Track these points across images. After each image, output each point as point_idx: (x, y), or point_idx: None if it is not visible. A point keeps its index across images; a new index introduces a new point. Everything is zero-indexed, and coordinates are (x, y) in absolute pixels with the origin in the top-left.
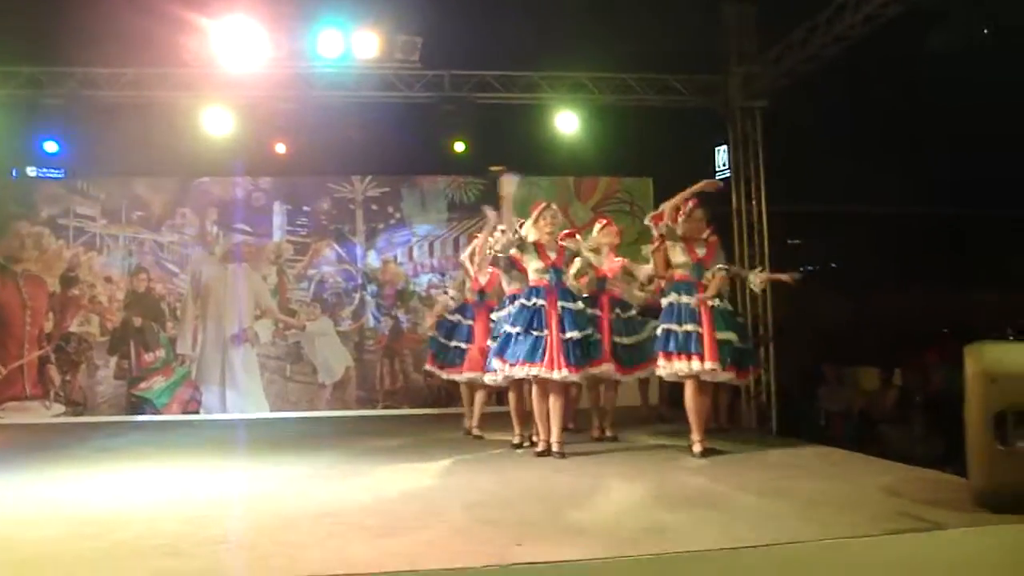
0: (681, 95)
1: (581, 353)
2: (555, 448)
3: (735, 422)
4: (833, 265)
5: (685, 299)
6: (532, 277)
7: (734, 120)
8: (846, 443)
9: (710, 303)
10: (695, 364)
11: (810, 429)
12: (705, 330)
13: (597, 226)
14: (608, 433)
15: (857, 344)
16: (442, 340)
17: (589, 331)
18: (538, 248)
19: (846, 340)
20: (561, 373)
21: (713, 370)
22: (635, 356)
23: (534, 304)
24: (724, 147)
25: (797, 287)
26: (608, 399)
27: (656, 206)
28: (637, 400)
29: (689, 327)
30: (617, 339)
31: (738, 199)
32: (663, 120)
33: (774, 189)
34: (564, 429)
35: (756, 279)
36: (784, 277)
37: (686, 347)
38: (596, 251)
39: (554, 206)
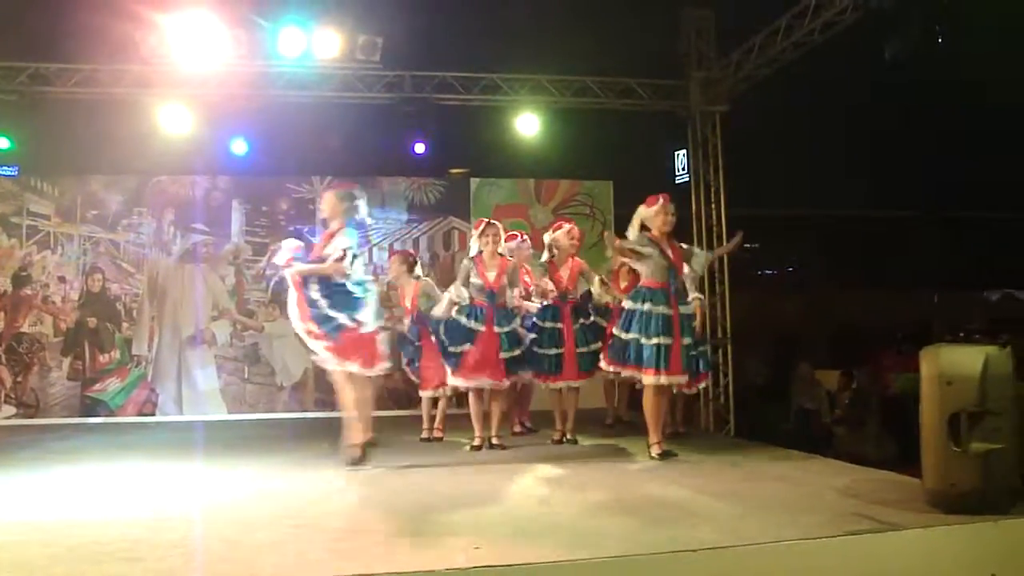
0: (642, 99)
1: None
2: (494, 441)
3: (692, 425)
4: (791, 268)
5: (660, 309)
6: (475, 296)
7: (694, 124)
8: (805, 445)
9: (682, 309)
10: (662, 378)
11: (769, 432)
12: (675, 342)
13: (565, 227)
14: (568, 436)
15: (815, 346)
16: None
17: (517, 351)
18: (478, 266)
19: (804, 343)
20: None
21: (682, 383)
22: (593, 361)
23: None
24: (684, 151)
25: (740, 246)
26: (568, 402)
27: (615, 208)
28: (600, 402)
29: (662, 340)
30: (578, 350)
31: (698, 203)
32: (624, 123)
33: (733, 193)
34: (524, 430)
35: (698, 264)
36: (728, 248)
37: (655, 361)
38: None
39: (498, 224)
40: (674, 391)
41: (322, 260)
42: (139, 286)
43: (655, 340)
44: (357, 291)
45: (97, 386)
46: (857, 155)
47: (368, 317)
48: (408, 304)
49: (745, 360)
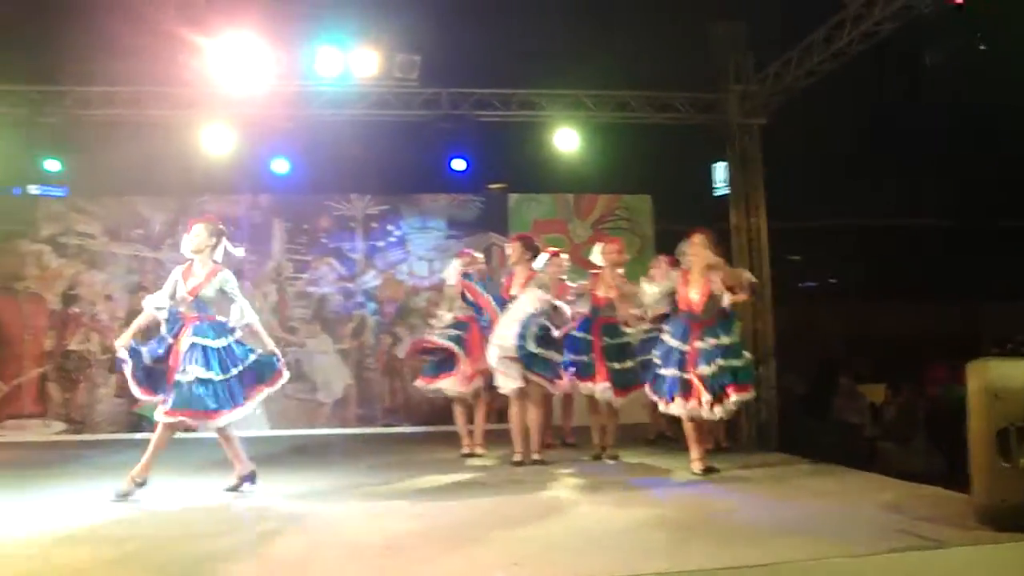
0: (680, 112)
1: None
2: (535, 456)
3: (735, 440)
4: (832, 280)
5: (676, 343)
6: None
7: (732, 137)
8: (849, 460)
9: (698, 344)
10: (689, 406)
11: (812, 446)
12: (690, 372)
13: (598, 246)
14: (608, 452)
15: (857, 359)
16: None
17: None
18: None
19: (848, 356)
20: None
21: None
22: (629, 379)
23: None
24: (723, 164)
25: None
26: (607, 417)
27: (655, 223)
28: (642, 417)
29: (675, 371)
30: (610, 364)
31: (737, 216)
32: (662, 137)
33: (773, 205)
34: (565, 444)
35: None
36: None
37: (672, 391)
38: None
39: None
40: None
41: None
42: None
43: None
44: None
45: (142, 402)
46: (899, 164)
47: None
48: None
49: (787, 374)
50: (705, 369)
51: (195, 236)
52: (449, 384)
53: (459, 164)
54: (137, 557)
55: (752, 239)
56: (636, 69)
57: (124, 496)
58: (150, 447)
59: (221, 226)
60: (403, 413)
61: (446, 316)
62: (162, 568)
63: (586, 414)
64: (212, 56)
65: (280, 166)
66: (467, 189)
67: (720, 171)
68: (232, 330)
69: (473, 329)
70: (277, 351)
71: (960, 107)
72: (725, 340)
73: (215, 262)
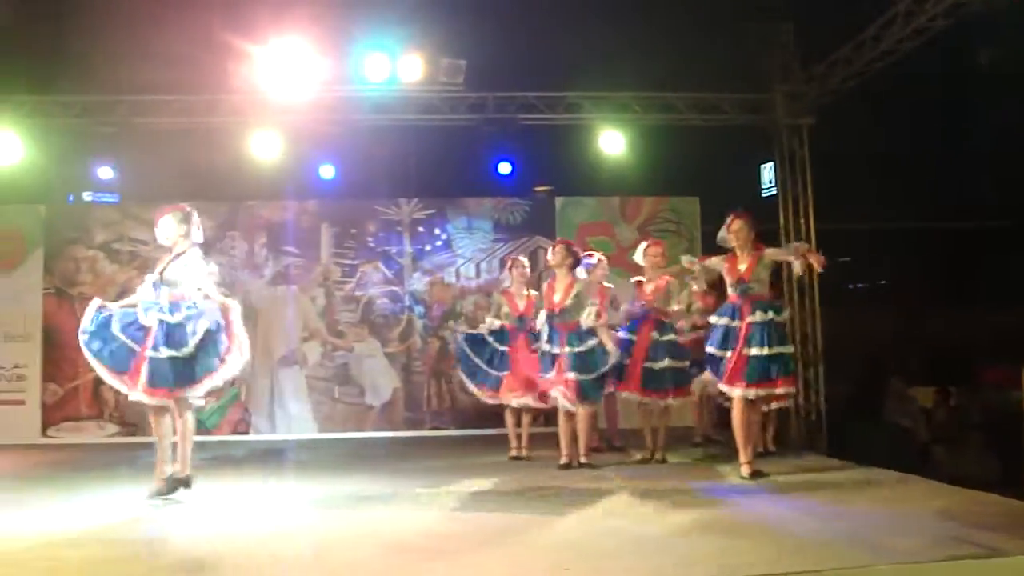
0: (726, 114)
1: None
2: (582, 460)
3: (783, 444)
4: (883, 282)
5: (733, 323)
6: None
7: (780, 138)
8: (900, 464)
9: (749, 319)
10: (737, 388)
11: (862, 450)
12: (738, 351)
13: (641, 246)
14: (658, 455)
15: (909, 362)
16: (477, 362)
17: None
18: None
19: (898, 359)
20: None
21: (755, 394)
22: (667, 380)
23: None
24: (770, 164)
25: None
26: (659, 420)
27: (702, 225)
28: (688, 420)
29: (729, 352)
30: (648, 364)
31: (785, 217)
32: (709, 138)
33: (822, 206)
34: (612, 448)
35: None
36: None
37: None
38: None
39: (523, 259)
40: (765, 409)
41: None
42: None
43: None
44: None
45: None
46: (951, 165)
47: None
48: (557, 299)
49: (837, 376)
50: (759, 350)
51: (165, 228)
52: (490, 396)
53: (505, 167)
54: (177, 557)
55: (801, 240)
56: (682, 70)
57: (158, 495)
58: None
59: (188, 209)
60: (450, 416)
61: (494, 323)
62: (202, 569)
63: (633, 417)
64: (260, 63)
65: (327, 171)
66: (513, 192)
67: (768, 172)
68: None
69: (519, 338)
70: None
71: (1015, 105)
72: (778, 318)
73: (194, 244)
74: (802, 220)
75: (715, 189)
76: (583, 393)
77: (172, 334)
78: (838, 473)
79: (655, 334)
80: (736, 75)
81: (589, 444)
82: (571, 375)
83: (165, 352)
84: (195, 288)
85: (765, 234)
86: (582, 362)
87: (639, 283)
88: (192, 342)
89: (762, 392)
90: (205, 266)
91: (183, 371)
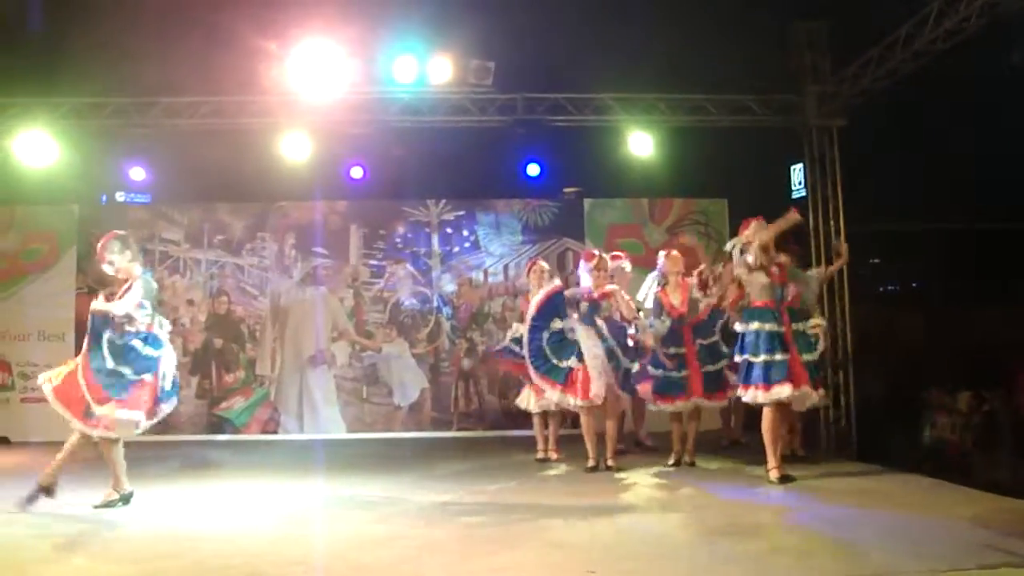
0: (756, 115)
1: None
2: (609, 463)
3: (813, 448)
4: (914, 284)
5: (769, 326)
6: None
7: (810, 139)
8: (932, 470)
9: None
10: (784, 390)
11: (893, 455)
12: (792, 355)
13: (662, 253)
14: (687, 459)
15: (941, 365)
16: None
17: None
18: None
19: (929, 362)
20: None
21: (804, 394)
22: (717, 383)
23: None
24: (800, 166)
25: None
26: (690, 425)
27: (731, 227)
28: (715, 424)
29: (778, 356)
30: (703, 367)
31: (815, 219)
32: (738, 140)
33: (852, 208)
34: (641, 447)
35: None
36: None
37: (770, 376)
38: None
39: (542, 263)
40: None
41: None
42: (262, 308)
43: (763, 357)
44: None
45: (223, 404)
46: (985, 166)
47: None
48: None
49: (867, 380)
50: (808, 356)
51: (112, 258)
52: (524, 399)
53: (533, 169)
54: (215, 561)
55: (831, 243)
56: (711, 71)
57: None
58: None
59: (122, 233)
60: (477, 417)
61: (520, 329)
62: (225, 572)
63: (663, 421)
64: (291, 65)
65: (356, 172)
66: (542, 194)
67: (797, 174)
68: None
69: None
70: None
71: None
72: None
73: (142, 272)
74: (832, 222)
75: (744, 191)
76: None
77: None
78: (868, 478)
79: (699, 339)
80: (766, 76)
81: (616, 447)
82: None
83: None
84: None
85: (795, 236)
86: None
87: (662, 290)
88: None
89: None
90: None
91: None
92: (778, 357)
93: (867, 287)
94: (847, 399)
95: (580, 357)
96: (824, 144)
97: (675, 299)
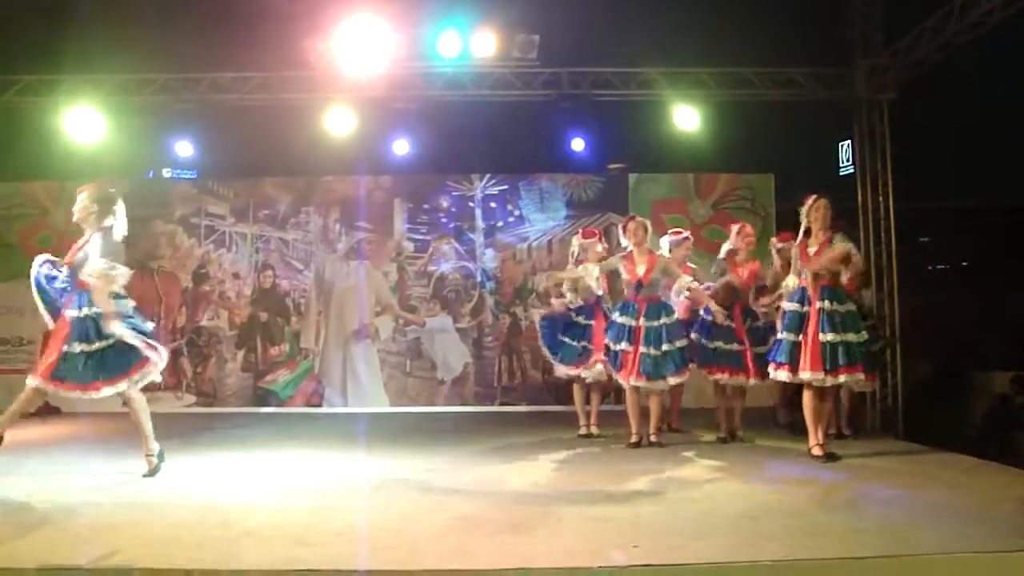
0: (804, 89)
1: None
2: (652, 439)
3: (858, 427)
4: (964, 263)
5: (798, 307)
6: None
7: (860, 113)
8: (979, 450)
9: (818, 306)
10: (804, 373)
11: (940, 435)
12: (810, 335)
13: (735, 228)
14: (739, 434)
15: (990, 345)
16: (564, 338)
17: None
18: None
19: (978, 342)
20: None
21: (820, 379)
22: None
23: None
24: (848, 142)
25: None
26: (736, 400)
27: (777, 203)
28: (759, 401)
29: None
30: (755, 349)
31: (864, 195)
32: (785, 114)
33: (902, 184)
34: (670, 430)
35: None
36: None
37: (794, 356)
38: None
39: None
40: (838, 389)
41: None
42: (307, 282)
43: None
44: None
45: (268, 377)
46: None
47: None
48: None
49: (914, 359)
50: (830, 336)
51: (79, 203)
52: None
53: (578, 144)
54: (262, 531)
55: (879, 220)
56: (758, 44)
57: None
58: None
59: (111, 190)
60: (520, 392)
61: (574, 299)
62: (272, 541)
63: (709, 396)
64: (335, 40)
65: (401, 147)
66: (586, 169)
67: (846, 149)
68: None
69: (597, 313)
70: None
71: None
72: (844, 308)
73: (104, 228)
74: (881, 199)
75: (791, 166)
76: (655, 368)
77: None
78: (913, 457)
79: (749, 320)
80: (814, 49)
81: (659, 423)
82: (645, 349)
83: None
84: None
85: (843, 213)
86: (658, 336)
87: (733, 265)
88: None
89: (830, 380)
90: (101, 252)
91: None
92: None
93: (916, 266)
94: (894, 378)
95: (632, 339)
96: (874, 118)
97: (743, 273)
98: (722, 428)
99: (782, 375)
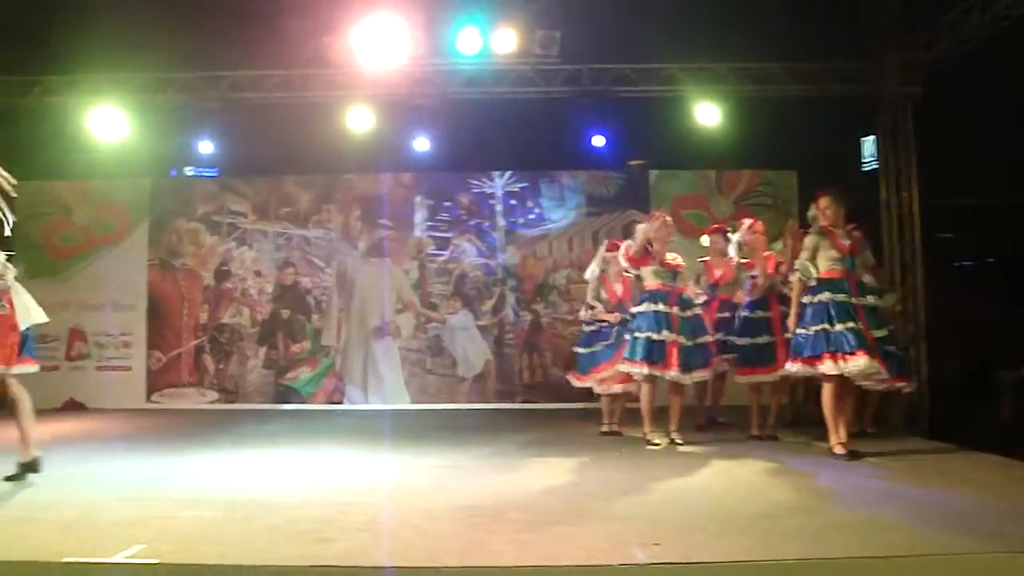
0: (826, 84)
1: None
2: (675, 439)
3: (883, 425)
4: (990, 259)
5: (840, 296)
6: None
7: (883, 109)
8: (1007, 449)
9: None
10: (858, 362)
11: (967, 434)
12: (863, 326)
13: (746, 223)
14: (775, 431)
15: (1017, 342)
16: (583, 350)
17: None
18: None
19: (1005, 338)
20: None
21: (875, 371)
22: None
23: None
24: (872, 137)
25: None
26: (772, 399)
27: (800, 199)
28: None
29: (849, 324)
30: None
31: (887, 191)
32: (808, 110)
33: (925, 180)
34: (717, 424)
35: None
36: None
37: (840, 346)
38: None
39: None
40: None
41: None
42: (328, 280)
43: (847, 325)
44: None
45: (290, 374)
46: None
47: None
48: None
49: (940, 356)
50: (878, 332)
51: None
52: (596, 383)
53: (599, 140)
54: (286, 527)
55: (904, 215)
56: (780, 39)
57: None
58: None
59: None
60: (542, 390)
61: (596, 312)
62: (296, 537)
63: (740, 393)
64: (356, 37)
65: (421, 144)
66: (607, 165)
67: (869, 145)
68: None
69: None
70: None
71: None
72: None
73: None
74: (905, 195)
75: (814, 162)
76: (688, 361)
77: None
78: (940, 456)
79: (783, 308)
80: (837, 44)
81: (680, 420)
82: (680, 339)
83: None
84: None
85: (865, 210)
86: (690, 327)
87: (747, 263)
88: None
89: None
90: None
91: None
92: (850, 325)
93: (941, 262)
94: (920, 375)
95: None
96: (898, 113)
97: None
98: (754, 426)
99: (854, 365)
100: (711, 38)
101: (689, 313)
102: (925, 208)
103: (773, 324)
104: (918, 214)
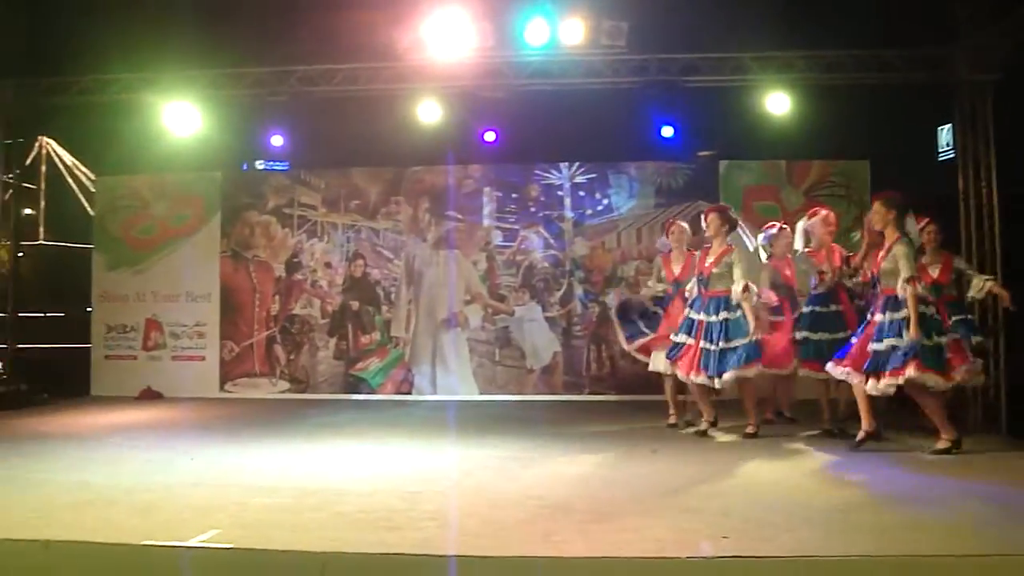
0: (901, 71)
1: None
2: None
3: (959, 423)
4: None
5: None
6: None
7: (961, 96)
8: None
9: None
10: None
11: None
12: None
13: (822, 214)
14: (837, 427)
15: None
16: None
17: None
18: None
19: None
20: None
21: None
22: None
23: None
24: (948, 126)
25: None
26: (840, 392)
27: (873, 190)
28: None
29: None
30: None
31: (965, 182)
32: (881, 98)
33: (1005, 170)
34: (780, 419)
35: (980, 284)
36: (1004, 298)
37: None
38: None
39: (682, 223)
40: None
41: None
42: (397, 271)
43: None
44: None
45: (359, 365)
46: None
47: None
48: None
49: (1020, 352)
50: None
51: None
52: (654, 360)
53: (667, 131)
54: (356, 515)
55: (982, 206)
56: (852, 26)
57: None
58: None
59: None
60: (610, 382)
61: (657, 287)
62: (365, 525)
63: (811, 387)
64: (424, 30)
65: (489, 136)
66: (676, 156)
67: (945, 134)
68: None
69: (674, 302)
70: None
71: None
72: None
73: None
74: (983, 185)
75: (888, 152)
76: (709, 363)
77: None
78: (1017, 454)
79: (858, 303)
80: (913, 29)
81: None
82: (704, 344)
83: None
84: None
85: (941, 201)
86: (720, 332)
87: (810, 253)
88: None
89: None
90: None
91: None
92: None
93: (1020, 254)
94: (997, 371)
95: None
96: (976, 101)
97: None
98: (825, 419)
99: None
100: (781, 26)
101: (718, 318)
102: (1004, 198)
103: (847, 318)
104: (997, 205)
